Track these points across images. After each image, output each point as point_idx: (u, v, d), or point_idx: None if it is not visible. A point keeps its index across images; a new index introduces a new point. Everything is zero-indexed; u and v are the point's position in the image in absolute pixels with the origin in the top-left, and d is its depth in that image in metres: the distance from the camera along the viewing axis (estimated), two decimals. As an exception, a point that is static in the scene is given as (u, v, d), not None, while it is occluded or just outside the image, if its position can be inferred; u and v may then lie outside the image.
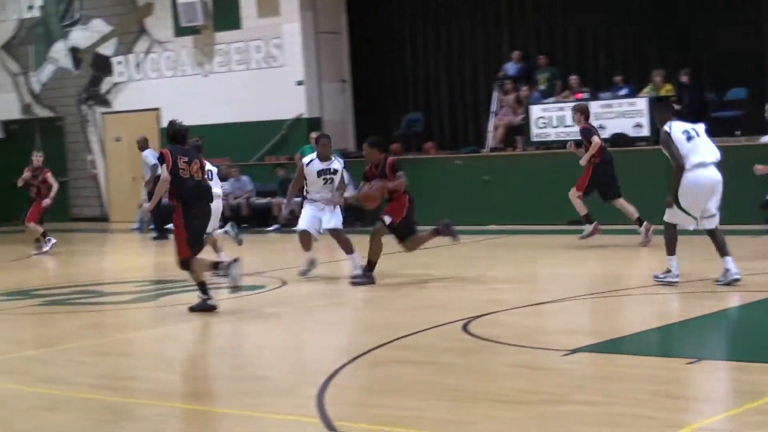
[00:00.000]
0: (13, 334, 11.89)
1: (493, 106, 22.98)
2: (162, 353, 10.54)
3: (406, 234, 14.20)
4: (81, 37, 28.16)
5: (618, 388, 7.94)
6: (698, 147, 11.98)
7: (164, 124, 26.29)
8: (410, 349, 9.80)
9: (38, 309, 13.47)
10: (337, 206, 14.67)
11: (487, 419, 7.26)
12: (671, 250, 12.33)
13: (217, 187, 15.50)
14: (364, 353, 9.54)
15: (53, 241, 20.56)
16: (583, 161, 16.77)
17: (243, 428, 7.49)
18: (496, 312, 11.36)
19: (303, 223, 14.63)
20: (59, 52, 28.57)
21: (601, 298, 12.22)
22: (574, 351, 9.16)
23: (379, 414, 7.56)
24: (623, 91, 21.08)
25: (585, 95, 20.98)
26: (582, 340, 9.69)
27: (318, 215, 14.60)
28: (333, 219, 14.59)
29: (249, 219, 23.77)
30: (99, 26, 27.88)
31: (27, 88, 29.34)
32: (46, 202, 20.64)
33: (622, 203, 16.80)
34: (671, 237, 12.31)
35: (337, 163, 14.78)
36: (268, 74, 24.92)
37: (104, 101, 27.88)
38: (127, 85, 27.35)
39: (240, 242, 16.46)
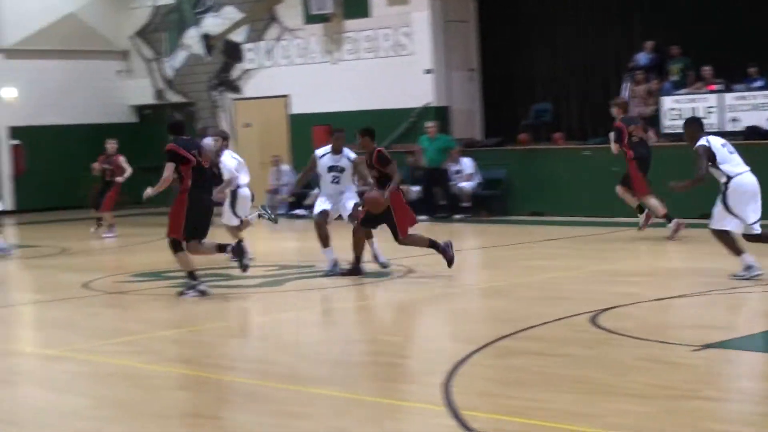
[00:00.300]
0: (146, 315, 12.13)
1: (624, 97, 22.68)
2: (289, 337, 10.66)
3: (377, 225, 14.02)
4: (213, 23, 28.58)
5: (749, 386, 7.81)
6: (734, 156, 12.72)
7: (293, 110, 26.77)
8: (537, 340, 9.75)
9: (170, 291, 13.72)
10: (350, 199, 14.55)
11: (615, 413, 7.19)
12: (738, 251, 12.52)
13: (245, 175, 16.03)
14: (491, 343, 9.52)
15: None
16: (614, 150, 17.24)
17: (369, 413, 7.54)
18: (625, 305, 11.23)
19: (321, 206, 14.56)
20: (192, 38, 29.03)
21: (733, 294, 12.00)
22: (705, 347, 9.02)
23: (506, 404, 7.54)
24: (758, 83, 20.64)
25: (719, 87, 20.61)
26: (713, 336, 9.54)
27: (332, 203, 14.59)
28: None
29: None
30: (231, 13, 28.25)
31: (160, 73, 29.90)
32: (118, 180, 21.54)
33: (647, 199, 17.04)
34: (729, 240, 12.53)
35: (345, 160, 14.66)
36: (397, 63, 24.97)
37: (235, 87, 28.26)
38: (257, 72, 27.67)
39: (275, 221, 16.44)
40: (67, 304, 13.04)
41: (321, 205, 14.62)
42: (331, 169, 14.64)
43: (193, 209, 12.81)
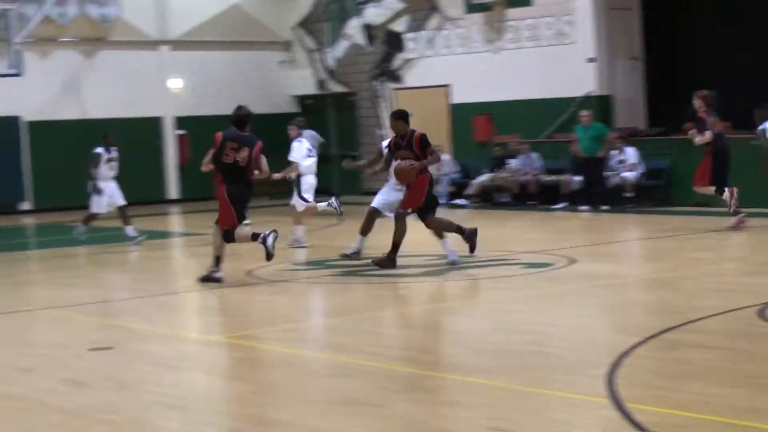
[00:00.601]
0: (309, 303, 12.30)
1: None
2: (450, 327, 10.68)
3: (425, 213, 14.41)
4: (374, 14, 28.76)
5: None
6: None
7: (454, 100, 26.77)
8: (703, 332, 9.57)
9: (332, 279, 13.88)
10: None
11: (785, 408, 7.02)
12: None
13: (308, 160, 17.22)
14: (655, 335, 9.38)
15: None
16: (698, 140, 17.62)
17: (530, 404, 7.50)
18: (794, 298, 10.94)
19: (375, 201, 15.21)
20: (353, 28, 29.28)
21: None
22: None
23: (672, 398, 7.42)
24: None
25: None
26: None
27: (391, 197, 14.96)
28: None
29: (536, 196, 23.75)
30: (392, 3, 28.38)
31: (322, 64, 30.23)
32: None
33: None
34: None
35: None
36: (558, 51, 24.74)
37: (396, 77, 28.39)
38: (418, 62, 27.75)
39: (340, 214, 17.25)
40: (232, 291, 13.28)
41: (374, 201, 15.24)
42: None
43: (231, 198, 13.59)
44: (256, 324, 11.01)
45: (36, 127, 26.71)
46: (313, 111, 30.74)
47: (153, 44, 29.21)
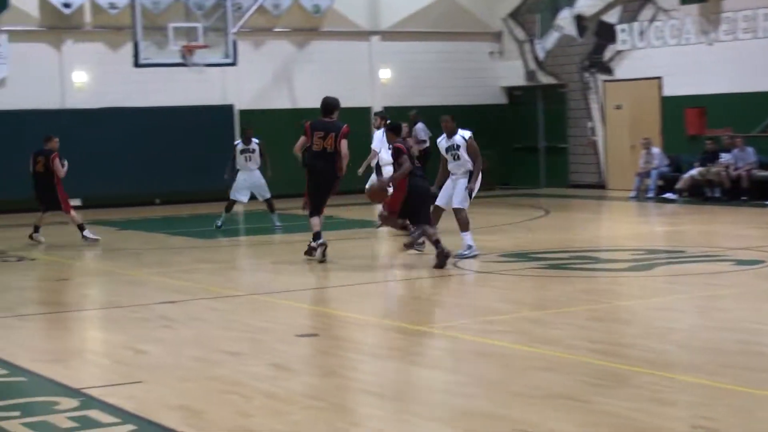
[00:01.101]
0: (514, 295, 12.24)
1: None
2: (656, 322, 10.47)
3: (409, 216, 14.54)
4: (586, 4, 28.39)
5: None
6: None
7: (666, 92, 26.23)
8: None
9: (537, 272, 13.80)
10: (462, 184, 15.20)
11: None
12: None
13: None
14: None
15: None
16: None
17: (739, 403, 7.29)
18: None
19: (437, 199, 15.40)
20: (564, 19, 28.98)
21: None
22: None
23: None
24: None
25: None
26: None
27: (450, 192, 15.28)
28: (457, 197, 15.18)
29: (749, 191, 23.06)
30: (604, -6, 28.03)
31: (532, 55, 30.04)
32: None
33: None
34: None
35: (459, 139, 15.21)
36: (777, 42, 24.00)
37: (606, 69, 27.99)
38: (629, 53, 27.28)
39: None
40: (437, 281, 13.33)
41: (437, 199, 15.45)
42: (447, 149, 15.31)
43: (310, 183, 15.03)
44: (459, 315, 11.03)
45: (248, 115, 27.35)
46: (521, 102, 30.62)
47: (364, 35, 29.56)
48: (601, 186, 27.99)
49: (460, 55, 30.46)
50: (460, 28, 30.40)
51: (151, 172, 26.31)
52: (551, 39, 29.43)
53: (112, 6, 26.48)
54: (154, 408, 7.54)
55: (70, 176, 23.93)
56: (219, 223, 20.21)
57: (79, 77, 26.55)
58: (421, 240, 15.10)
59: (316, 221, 15.22)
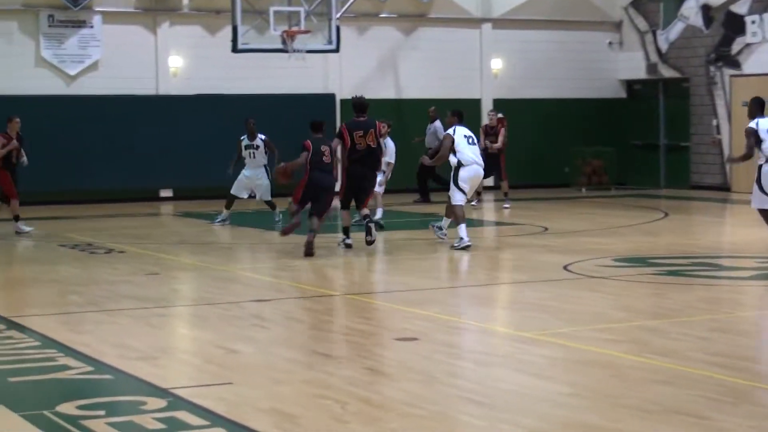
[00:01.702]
0: (629, 302, 12.12)
1: None
2: (785, 337, 10.31)
3: (315, 208, 16.16)
4: (712, -7, 28.06)
5: None
6: None
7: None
8: None
9: (654, 278, 13.64)
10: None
11: None
12: None
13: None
14: None
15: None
16: None
17: None
18: None
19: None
20: (690, 9, 28.60)
21: None
22: None
23: None
24: None
25: None
26: None
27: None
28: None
29: None
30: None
31: (654, 46, 29.70)
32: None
33: None
34: None
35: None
36: None
37: (734, 63, 27.56)
38: (759, 47, 26.84)
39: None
40: (546, 286, 13.27)
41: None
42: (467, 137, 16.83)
43: (350, 180, 16.60)
44: (569, 321, 10.94)
45: (349, 105, 27.42)
46: (641, 97, 30.32)
47: (475, 22, 29.48)
48: (726, 188, 27.57)
49: (577, 45, 30.24)
50: (578, 17, 30.18)
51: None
52: (675, 30, 29.06)
53: (211, -13, 26.80)
54: (244, 411, 7.59)
55: (160, 165, 24.35)
56: (219, 219, 20.36)
57: (175, 62, 26.88)
58: (442, 230, 17.20)
59: (347, 215, 16.83)
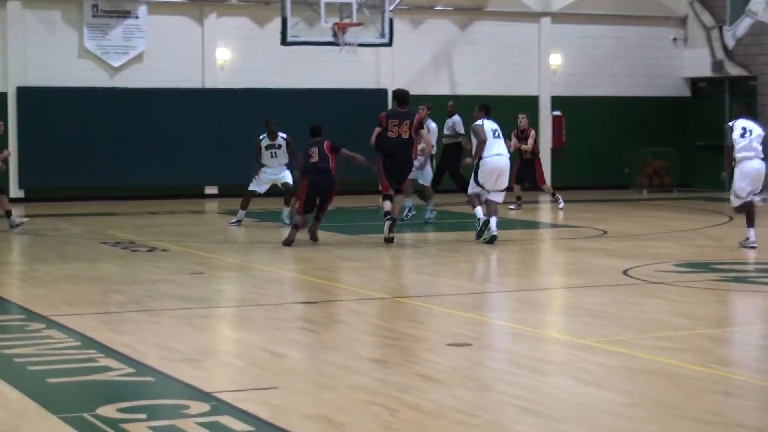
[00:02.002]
0: (690, 310, 12.04)
1: None
2: None
3: (319, 212, 17.59)
4: (783, -12, 27.81)
5: None
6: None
7: None
8: None
9: (717, 284, 13.55)
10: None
11: None
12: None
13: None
14: None
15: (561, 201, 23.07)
16: None
17: None
18: None
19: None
20: (759, 4, 28.36)
21: None
22: None
23: None
24: None
25: None
26: None
27: None
28: None
29: None
30: (805, -24, 27.37)
31: (720, 43, 29.50)
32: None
33: None
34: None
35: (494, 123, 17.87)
36: None
37: (804, 60, 27.34)
38: (832, 43, 26.64)
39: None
40: (604, 291, 13.21)
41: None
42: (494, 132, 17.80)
43: (385, 168, 17.54)
44: (628, 328, 10.89)
45: (403, 101, 27.40)
46: (706, 95, 30.14)
47: (533, 16, 29.43)
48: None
49: (640, 41, 30.12)
50: (641, 11, 30.04)
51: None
52: (743, 26, 28.84)
53: (261, -23, 26.88)
54: (290, 417, 7.61)
55: (206, 161, 24.43)
56: (234, 220, 20.20)
57: (222, 54, 27.02)
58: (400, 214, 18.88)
59: (388, 204, 17.41)
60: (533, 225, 20.95)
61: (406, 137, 17.49)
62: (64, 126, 25.66)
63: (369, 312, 12.09)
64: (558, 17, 29.56)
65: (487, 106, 18.13)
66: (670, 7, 30.37)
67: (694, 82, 30.53)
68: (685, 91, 30.61)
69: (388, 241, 17.32)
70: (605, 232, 19.21)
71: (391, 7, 24.86)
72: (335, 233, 19.05)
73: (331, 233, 18.91)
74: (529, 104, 28.54)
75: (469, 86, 28.56)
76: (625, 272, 14.32)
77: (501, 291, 13.54)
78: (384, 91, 27.74)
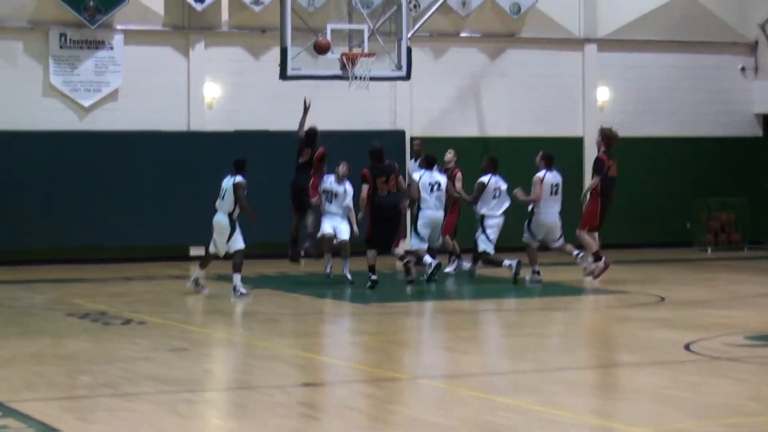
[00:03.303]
0: (765, 391, 11.98)
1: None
2: None
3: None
4: None
5: None
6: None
7: None
8: None
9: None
10: None
11: None
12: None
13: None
14: None
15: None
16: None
17: None
18: None
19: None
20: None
21: None
22: None
23: None
24: None
25: None
26: None
27: None
28: None
29: None
30: None
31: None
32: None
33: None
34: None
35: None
36: None
37: None
38: None
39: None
40: (663, 369, 13.16)
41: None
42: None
43: (376, 224, 20.49)
44: (693, 414, 10.83)
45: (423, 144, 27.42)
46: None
47: (576, 43, 29.47)
48: None
49: (702, 71, 30.16)
50: (703, 37, 30.07)
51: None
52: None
53: (256, 1, 26.98)
54: None
55: (191, 217, 24.36)
56: (241, 291, 19.99)
57: (211, 91, 27.09)
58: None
59: (373, 254, 20.29)
60: (576, 291, 20.89)
61: (395, 191, 20.42)
62: (25, 176, 25.69)
63: (383, 396, 12.03)
64: (605, 44, 29.60)
65: (549, 155, 21.47)
66: (737, 31, 30.38)
67: (766, 119, 30.51)
68: (757, 130, 30.58)
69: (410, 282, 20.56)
70: (663, 299, 19.16)
71: (410, 34, 24.82)
72: (340, 301, 19.03)
73: (336, 301, 18.90)
74: (571, 147, 28.55)
75: (501, 126, 28.59)
76: (687, 346, 14.26)
77: (539, 370, 13.47)
78: (401, 133, 27.76)
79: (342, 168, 21.27)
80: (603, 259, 20.90)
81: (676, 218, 29.18)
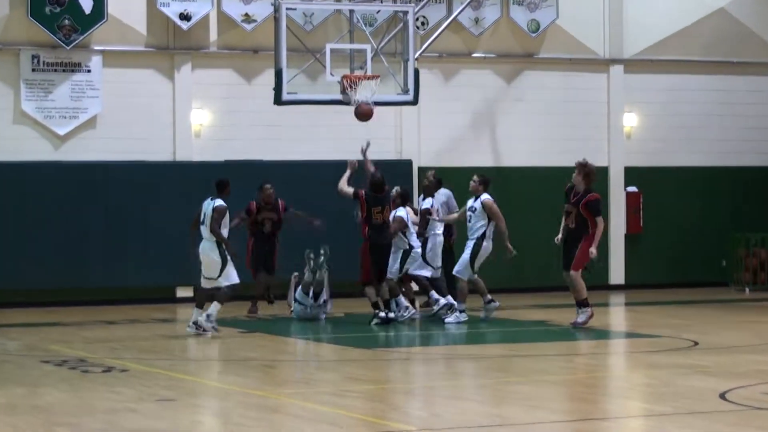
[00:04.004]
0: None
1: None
2: None
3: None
4: None
5: None
6: None
7: None
8: None
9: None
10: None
11: None
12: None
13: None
14: None
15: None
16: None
17: None
18: None
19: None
20: None
21: None
22: None
23: None
24: None
25: None
26: None
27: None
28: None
29: None
30: None
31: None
32: None
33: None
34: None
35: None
36: None
37: None
38: None
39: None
40: (697, 420, 13.18)
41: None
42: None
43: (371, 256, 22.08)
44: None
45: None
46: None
47: (601, 64, 29.53)
48: None
49: (740, 94, 30.23)
50: (740, 57, 30.16)
51: (283, 251, 25.06)
52: None
53: (248, 19, 27.05)
54: None
55: (178, 255, 24.40)
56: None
57: (199, 117, 27.16)
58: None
59: (372, 291, 21.92)
60: (602, 334, 20.94)
61: (384, 222, 21.91)
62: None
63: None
64: (633, 65, 29.69)
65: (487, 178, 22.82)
66: (776, 49, 30.51)
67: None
68: (800, 159, 30.68)
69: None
70: (696, 344, 19.20)
71: (417, 55, 24.83)
72: (342, 346, 19.07)
73: (337, 347, 18.94)
74: (597, 177, 28.53)
75: (519, 156, 28.65)
76: (722, 395, 14.29)
77: (561, 421, 13.52)
78: (408, 163, 27.85)
79: None
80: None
81: (712, 255, 29.22)
